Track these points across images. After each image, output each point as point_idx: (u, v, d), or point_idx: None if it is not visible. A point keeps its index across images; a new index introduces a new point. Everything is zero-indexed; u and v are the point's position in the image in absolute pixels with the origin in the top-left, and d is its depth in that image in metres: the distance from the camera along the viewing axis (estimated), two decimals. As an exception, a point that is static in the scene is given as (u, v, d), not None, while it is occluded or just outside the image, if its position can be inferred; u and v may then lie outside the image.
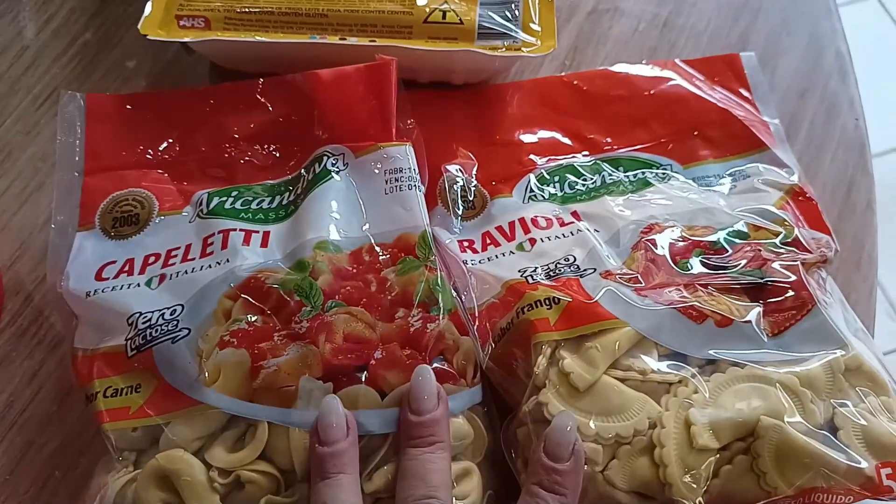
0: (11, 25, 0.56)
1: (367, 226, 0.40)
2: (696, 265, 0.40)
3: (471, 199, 0.46)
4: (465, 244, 0.44)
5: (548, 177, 0.47)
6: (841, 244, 0.45)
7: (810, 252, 0.41)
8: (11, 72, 0.54)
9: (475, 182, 0.47)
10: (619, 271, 0.39)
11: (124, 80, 0.53)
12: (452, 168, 0.47)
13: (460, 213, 0.45)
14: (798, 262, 0.39)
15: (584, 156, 0.48)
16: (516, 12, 0.48)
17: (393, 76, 0.43)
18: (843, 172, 0.50)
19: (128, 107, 0.47)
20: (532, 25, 0.47)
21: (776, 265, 0.39)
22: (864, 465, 0.34)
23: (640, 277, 0.39)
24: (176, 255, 0.40)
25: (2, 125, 0.52)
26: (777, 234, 0.41)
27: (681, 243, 0.41)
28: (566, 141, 0.49)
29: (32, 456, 0.42)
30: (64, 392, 0.43)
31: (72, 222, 0.43)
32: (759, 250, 0.40)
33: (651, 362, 0.35)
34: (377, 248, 0.39)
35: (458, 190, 0.46)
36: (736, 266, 0.40)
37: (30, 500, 0.41)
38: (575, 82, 0.51)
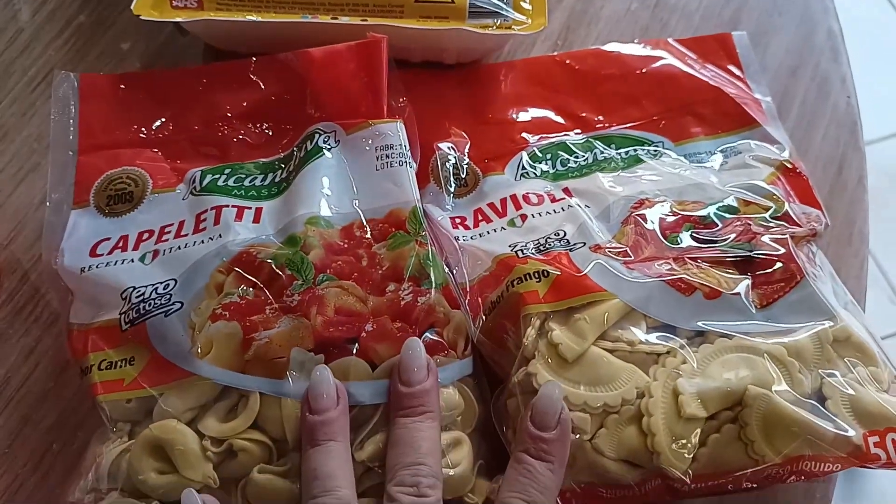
0: (6, 9, 0.56)
1: (357, 201, 0.40)
2: (685, 239, 0.40)
3: (463, 176, 0.46)
4: (457, 221, 0.44)
5: (540, 154, 0.47)
6: (832, 220, 0.45)
7: (800, 226, 0.41)
8: (7, 54, 0.54)
9: (467, 160, 0.47)
10: (608, 245, 0.39)
11: (118, 61, 0.53)
12: (444, 146, 0.47)
13: (452, 190, 0.46)
14: (787, 236, 0.39)
15: (576, 134, 0.48)
16: (508, -9, 0.48)
17: (384, 53, 0.43)
18: (835, 149, 0.50)
19: (121, 86, 0.47)
20: (523, 4, 0.48)
21: (765, 238, 0.39)
22: (851, 433, 0.34)
23: (629, 251, 0.39)
24: (169, 232, 0.40)
25: (-2, 107, 0.52)
26: (767, 209, 0.42)
27: (671, 218, 0.41)
28: (558, 119, 0.49)
29: (29, 431, 0.42)
30: (60, 368, 0.43)
31: (66, 200, 0.43)
32: (749, 224, 0.40)
33: (640, 334, 0.36)
34: (368, 224, 0.39)
35: (451, 168, 0.46)
36: (725, 240, 0.40)
37: (27, 473, 0.41)
38: (567, 61, 0.51)
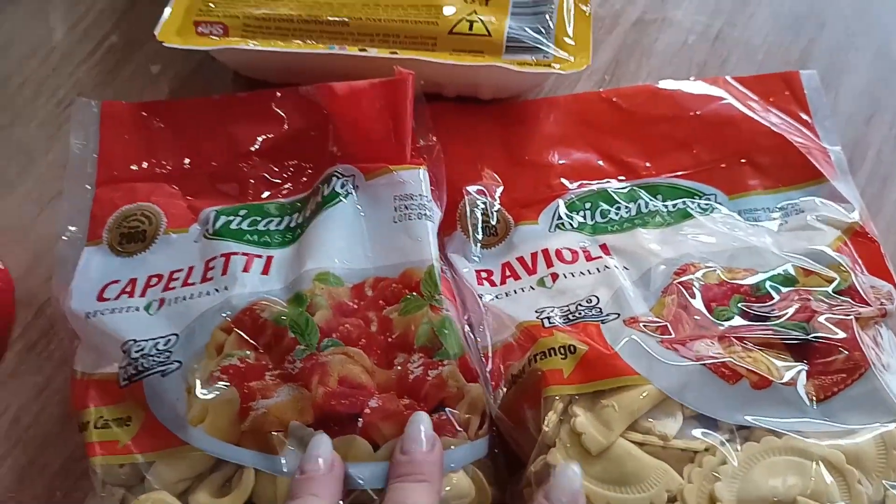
0: (42, 26, 0.55)
1: (371, 257, 0.37)
2: (733, 314, 0.36)
3: (493, 223, 0.43)
4: (483, 275, 0.41)
5: (578, 203, 0.43)
6: (906, 291, 0.40)
7: (868, 304, 0.36)
8: (38, 73, 0.53)
9: (498, 206, 0.44)
10: (645, 318, 0.35)
11: (147, 84, 0.52)
12: (474, 190, 0.44)
13: (480, 239, 0.43)
14: (852, 317, 0.35)
15: (619, 181, 0.45)
16: (549, 24, 0.44)
17: (410, 92, 0.40)
18: (913, 209, 0.44)
19: (143, 114, 0.45)
20: (566, 39, 0.44)
21: (825, 318, 0.35)
22: (916, 558, 0.30)
23: (668, 326, 0.35)
24: (177, 279, 0.38)
25: (25, 128, 0.51)
26: (830, 281, 0.37)
27: (718, 288, 0.37)
28: (601, 164, 0.46)
29: (35, 474, 0.41)
30: (68, 410, 0.42)
31: (81, 235, 0.42)
32: (808, 299, 0.36)
33: (674, 426, 0.32)
34: (380, 283, 0.36)
35: (480, 214, 0.43)
36: (780, 317, 0.35)
37: (30, 521, 0.40)
38: (614, 99, 0.47)
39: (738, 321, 0.35)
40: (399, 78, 0.40)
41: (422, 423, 0.32)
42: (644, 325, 0.35)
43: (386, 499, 0.31)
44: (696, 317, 0.36)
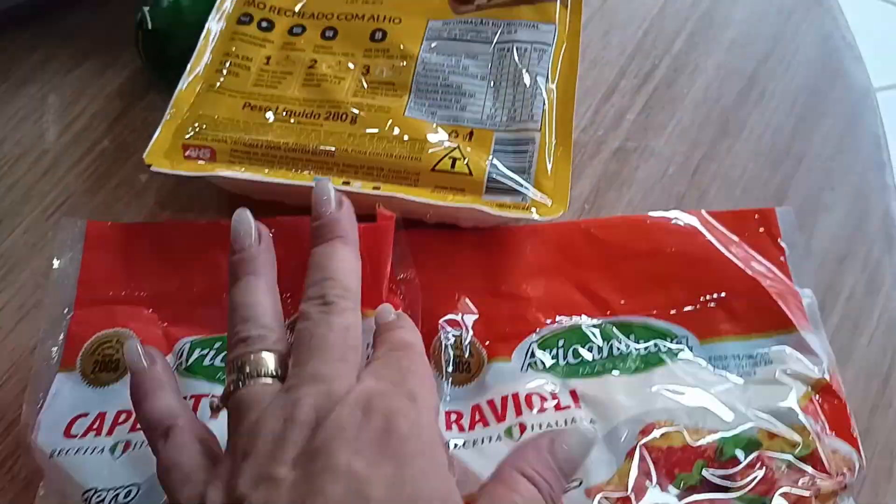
0: (34, 128, 0.56)
1: (341, 408, 0.38)
2: (695, 480, 0.36)
3: (466, 357, 0.43)
4: (453, 417, 0.41)
5: (552, 340, 0.44)
6: (870, 447, 0.40)
7: (828, 474, 0.36)
8: (27, 177, 0.54)
9: (472, 337, 0.44)
10: (607, 487, 0.36)
11: (135, 194, 0.53)
12: (448, 324, 0.44)
13: (451, 373, 0.43)
14: (811, 494, 0.35)
15: (594, 317, 0.45)
16: (530, 164, 0.45)
17: (390, 237, 0.41)
18: (881, 359, 0.45)
19: (127, 237, 0.46)
20: (545, 181, 0.45)
21: (784, 492, 0.35)
22: None
23: (631, 497, 0.35)
24: (146, 417, 0.39)
25: (10, 234, 0.52)
26: (794, 446, 0.37)
27: (682, 452, 0.37)
28: (577, 298, 0.46)
29: None
30: (31, 538, 0.42)
31: (56, 359, 0.42)
32: (770, 468, 0.36)
33: None
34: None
35: (452, 350, 0.43)
36: (742, 487, 0.36)
37: None
38: (592, 230, 0.48)
39: (699, 492, 0.35)
40: (381, 224, 0.41)
41: (327, 186, 0.37)
42: (605, 497, 0.35)
43: (310, 263, 0.35)
44: (657, 485, 0.36)
